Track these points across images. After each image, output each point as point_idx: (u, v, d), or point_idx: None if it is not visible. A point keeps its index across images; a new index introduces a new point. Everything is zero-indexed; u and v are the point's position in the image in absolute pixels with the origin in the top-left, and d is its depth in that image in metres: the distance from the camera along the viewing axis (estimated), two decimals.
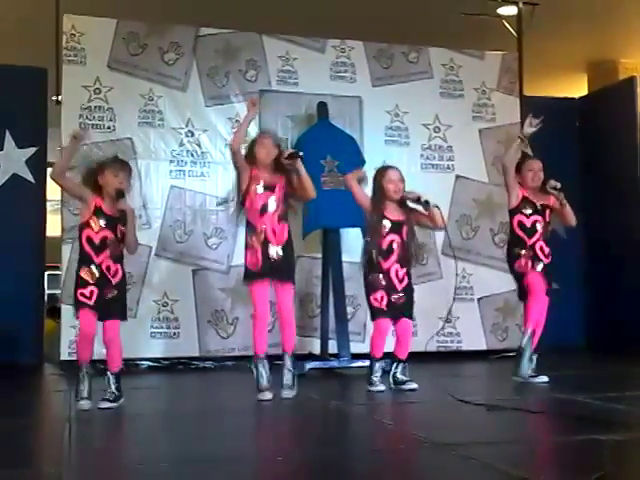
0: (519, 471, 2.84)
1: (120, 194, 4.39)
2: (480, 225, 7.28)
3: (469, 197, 7.24)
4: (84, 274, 4.33)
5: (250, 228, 4.68)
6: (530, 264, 5.11)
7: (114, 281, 4.40)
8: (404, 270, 4.89)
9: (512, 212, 5.22)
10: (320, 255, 6.54)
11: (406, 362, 4.94)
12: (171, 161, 6.62)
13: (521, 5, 7.74)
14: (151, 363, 6.42)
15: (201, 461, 3.15)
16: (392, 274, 4.85)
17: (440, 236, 6.88)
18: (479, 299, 7.16)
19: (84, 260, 4.37)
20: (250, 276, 4.68)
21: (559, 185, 5.15)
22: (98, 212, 4.36)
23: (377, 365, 4.94)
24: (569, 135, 7.96)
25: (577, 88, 9.34)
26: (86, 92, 6.43)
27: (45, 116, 6.63)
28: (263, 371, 4.58)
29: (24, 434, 3.78)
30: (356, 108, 7.07)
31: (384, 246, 4.87)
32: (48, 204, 6.78)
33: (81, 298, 4.34)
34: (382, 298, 4.84)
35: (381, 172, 4.95)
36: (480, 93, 7.43)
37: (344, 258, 6.41)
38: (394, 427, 3.89)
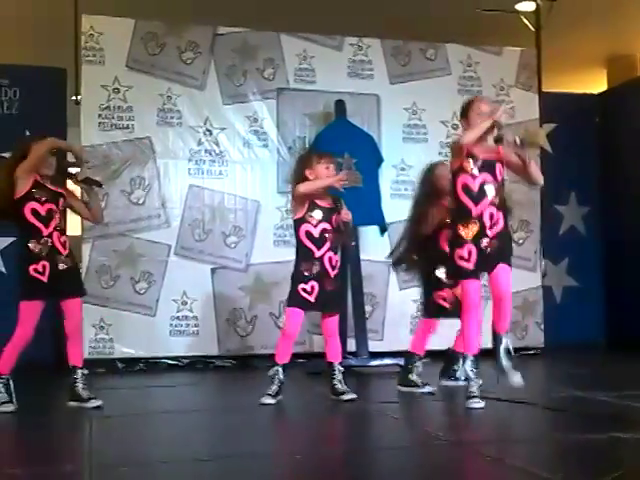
0: (538, 469, 2.84)
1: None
2: None
3: None
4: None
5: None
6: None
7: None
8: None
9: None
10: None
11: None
12: (189, 160, 6.64)
13: (539, 1, 7.69)
14: (171, 361, 6.46)
15: (221, 458, 3.16)
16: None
17: None
18: None
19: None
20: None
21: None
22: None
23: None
24: (588, 132, 7.91)
25: (596, 83, 9.27)
26: (105, 92, 6.46)
27: (64, 116, 6.67)
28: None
29: (45, 432, 3.82)
30: (374, 106, 7.06)
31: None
32: None
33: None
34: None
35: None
36: (498, 89, 7.39)
37: (362, 256, 6.41)
38: (414, 425, 3.89)
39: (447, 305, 4.83)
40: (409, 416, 4.03)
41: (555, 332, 7.20)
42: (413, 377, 4.83)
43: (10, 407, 4.23)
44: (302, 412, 4.57)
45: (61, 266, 4.33)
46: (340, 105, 6.64)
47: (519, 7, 7.81)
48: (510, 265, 4.32)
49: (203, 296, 6.53)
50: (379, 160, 6.70)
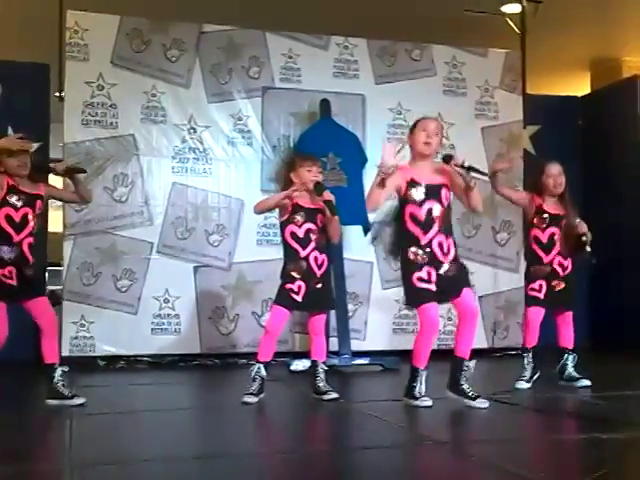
0: (520, 469, 2.85)
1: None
2: (482, 223, 7.27)
3: None
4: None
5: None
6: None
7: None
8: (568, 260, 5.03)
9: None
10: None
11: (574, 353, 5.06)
12: (173, 157, 6.62)
13: (525, 3, 7.72)
14: (152, 360, 6.43)
15: (203, 457, 3.16)
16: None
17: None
18: (480, 297, 7.15)
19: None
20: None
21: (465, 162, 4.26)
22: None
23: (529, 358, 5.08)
24: (571, 134, 7.95)
25: (580, 86, 9.32)
26: (89, 88, 6.43)
27: (48, 112, 6.62)
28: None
29: (24, 431, 3.79)
30: (359, 105, 7.06)
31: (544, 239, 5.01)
32: (50, 200, 6.76)
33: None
34: (540, 287, 4.98)
35: (541, 167, 5.08)
36: (483, 91, 7.42)
37: (345, 255, 6.42)
38: (396, 425, 3.89)
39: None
40: (393, 416, 4.03)
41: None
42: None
43: None
44: (285, 411, 4.57)
45: (28, 272, 4.32)
46: (325, 104, 6.64)
47: (505, 9, 7.84)
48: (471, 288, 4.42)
49: (185, 294, 6.51)
50: (363, 160, 6.69)
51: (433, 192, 4.22)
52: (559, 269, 5.02)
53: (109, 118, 6.46)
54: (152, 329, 6.43)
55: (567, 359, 5.03)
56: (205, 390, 5.53)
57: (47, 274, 6.88)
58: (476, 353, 6.14)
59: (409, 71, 7.24)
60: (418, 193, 4.22)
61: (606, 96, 8.02)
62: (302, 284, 4.49)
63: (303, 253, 4.52)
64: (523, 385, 4.95)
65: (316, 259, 4.54)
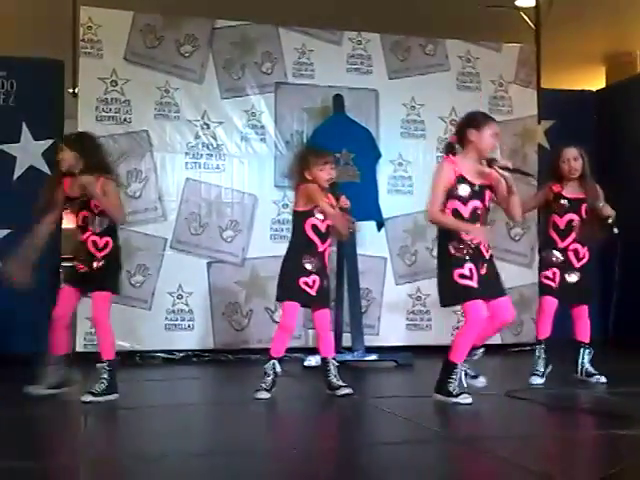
0: (534, 465, 2.84)
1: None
2: (496, 219, 7.20)
3: None
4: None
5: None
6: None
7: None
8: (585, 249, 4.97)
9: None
10: (335, 248, 6.52)
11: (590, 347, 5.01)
12: (187, 153, 6.62)
13: None
14: (165, 355, 6.44)
15: (216, 453, 3.16)
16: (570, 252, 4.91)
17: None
18: None
19: None
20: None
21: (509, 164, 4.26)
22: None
23: (542, 350, 5.00)
24: (586, 129, 7.88)
25: (595, 81, 9.27)
26: (102, 84, 6.44)
27: (62, 108, 6.63)
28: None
29: (39, 425, 3.81)
30: (372, 101, 7.04)
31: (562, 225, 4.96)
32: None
33: None
34: (554, 275, 4.93)
35: (557, 151, 5.03)
36: (497, 86, 7.38)
37: (359, 251, 6.40)
38: (410, 421, 3.88)
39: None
40: (406, 412, 4.02)
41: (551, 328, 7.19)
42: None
43: None
44: (299, 407, 4.57)
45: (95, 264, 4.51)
46: (338, 100, 6.63)
47: (519, 3, 7.80)
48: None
49: (199, 290, 6.52)
50: (377, 155, 6.69)
51: (479, 192, 4.21)
52: (573, 258, 4.96)
53: (123, 114, 6.47)
54: (166, 325, 6.45)
55: (583, 353, 4.99)
56: (219, 386, 5.54)
57: (61, 270, 6.91)
58: (489, 349, 6.12)
59: (423, 66, 7.20)
60: (465, 190, 4.17)
61: (621, 90, 7.96)
62: (317, 278, 4.48)
63: (321, 248, 4.53)
64: (537, 380, 4.90)
65: (330, 254, 4.61)
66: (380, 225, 6.47)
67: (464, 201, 4.16)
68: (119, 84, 6.48)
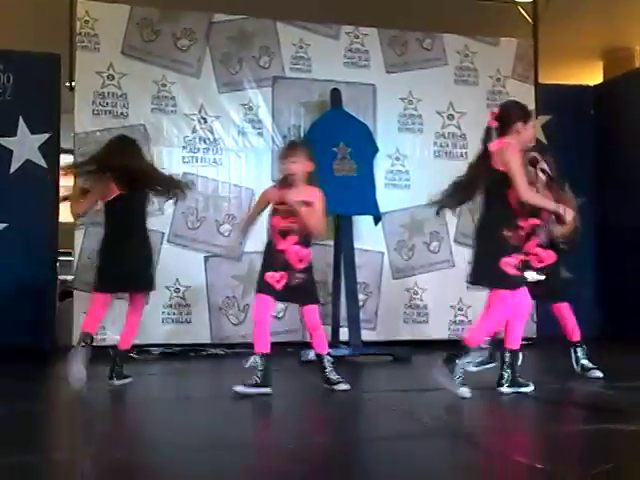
0: (530, 459, 2.84)
1: None
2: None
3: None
4: None
5: None
6: None
7: None
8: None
9: None
10: (332, 242, 6.53)
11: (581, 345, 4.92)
12: (184, 147, 6.62)
13: None
14: (162, 349, 6.44)
15: (212, 447, 3.16)
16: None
17: (452, 224, 6.86)
18: None
19: None
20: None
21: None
22: None
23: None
24: (584, 123, 7.89)
25: (593, 76, 9.27)
26: (99, 78, 6.43)
27: (58, 102, 6.62)
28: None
29: (37, 420, 3.80)
30: (370, 95, 7.04)
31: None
32: (61, 190, 6.78)
33: None
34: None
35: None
36: (495, 80, 7.38)
37: (356, 245, 6.40)
38: (406, 415, 3.89)
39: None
40: (402, 406, 4.03)
41: (548, 324, 7.19)
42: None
43: None
44: (296, 401, 4.57)
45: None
46: (336, 94, 6.62)
47: None
48: None
49: (196, 284, 6.52)
50: (374, 150, 6.68)
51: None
52: (534, 260, 4.81)
53: (119, 108, 6.46)
54: (163, 319, 6.45)
55: (575, 352, 4.93)
56: (215, 380, 5.54)
57: (58, 264, 6.92)
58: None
59: (420, 60, 7.20)
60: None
61: (619, 85, 7.96)
62: (284, 274, 4.44)
63: (282, 246, 4.51)
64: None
65: (297, 253, 4.51)
66: (377, 219, 6.47)
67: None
68: (116, 78, 6.47)
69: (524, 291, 4.23)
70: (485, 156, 4.29)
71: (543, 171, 4.35)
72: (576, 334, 4.96)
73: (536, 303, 7.24)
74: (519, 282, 4.19)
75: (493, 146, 4.27)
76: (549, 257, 4.91)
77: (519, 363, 4.38)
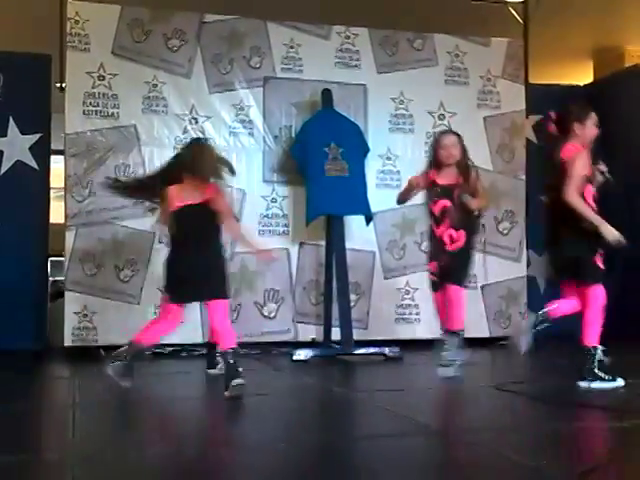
0: (522, 457, 2.86)
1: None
2: (484, 213, 7.25)
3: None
4: None
5: None
6: None
7: None
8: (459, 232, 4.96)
9: None
10: (324, 242, 6.54)
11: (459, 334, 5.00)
12: (175, 148, 6.57)
13: None
14: (154, 349, 6.42)
15: (205, 447, 3.16)
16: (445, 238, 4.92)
17: None
18: (482, 287, 7.16)
19: None
20: None
21: None
22: None
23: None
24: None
25: (583, 75, 9.30)
26: (90, 79, 6.41)
27: (49, 102, 6.60)
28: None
29: (28, 421, 3.80)
30: (361, 95, 7.04)
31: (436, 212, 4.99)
32: (52, 191, 6.77)
33: None
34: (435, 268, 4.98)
35: (436, 139, 5.11)
36: (485, 80, 7.39)
37: (347, 245, 6.41)
38: (398, 414, 3.89)
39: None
40: (395, 405, 4.04)
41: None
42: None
43: None
44: (287, 400, 4.57)
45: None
46: (327, 94, 6.63)
47: None
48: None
49: None
50: (365, 150, 6.70)
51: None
52: (447, 242, 4.95)
53: (110, 108, 6.45)
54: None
55: (445, 342, 4.96)
56: (208, 380, 5.53)
57: (49, 265, 6.90)
58: (477, 342, 6.17)
59: (411, 61, 7.21)
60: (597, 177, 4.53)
61: (609, 85, 7.98)
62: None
63: None
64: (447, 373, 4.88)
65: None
66: (369, 219, 6.48)
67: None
68: (106, 78, 6.45)
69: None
70: (558, 164, 4.44)
71: (602, 172, 4.54)
72: (454, 323, 4.97)
73: (532, 302, 7.32)
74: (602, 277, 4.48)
75: (565, 153, 4.44)
76: (460, 238, 4.96)
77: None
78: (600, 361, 4.39)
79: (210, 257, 4.52)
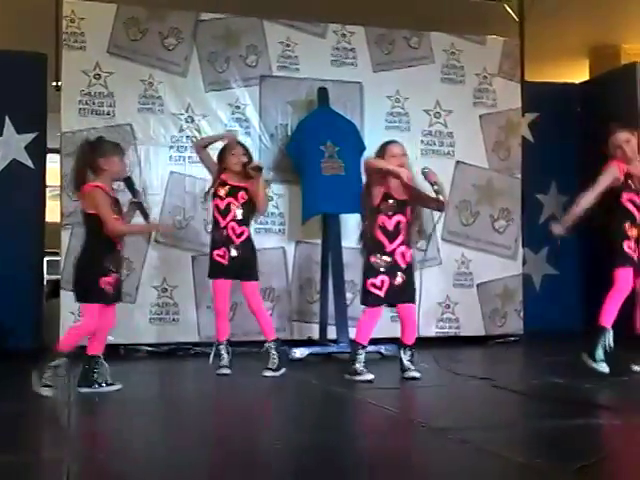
0: (516, 455, 2.87)
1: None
2: (480, 211, 7.28)
3: (469, 183, 7.23)
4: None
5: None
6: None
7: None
8: (410, 251, 4.86)
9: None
10: (320, 241, 6.55)
11: (413, 348, 4.89)
12: (171, 147, 6.61)
13: None
14: (150, 348, 6.44)
15: (197, 446, 3.16)
16: (397, 255, 4.79)
17: (440, 222, 6.87)
18: (478, 285, 7.17)
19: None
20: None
21: None
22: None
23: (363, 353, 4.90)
24: (570, 121, 7.93)
25: (579, 73, 9.30)
26: (86, 77, 6.41)
27: (45, 101, 6.61)
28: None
29: (24, 419, 3.80)
30: (357, 94, 7.05)
31: (390, 227, 4.81)
32: (47, 190, 6.77)
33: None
34: (382, 283, 4.76)
35: (383, 147, 4.93)
36: (481, 78, 7.40)
37: (344, 244, 6.41)
38: (392, 412, 3.91)
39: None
40: (390, 403, 4.04)
41: (534, 320, 7.25)
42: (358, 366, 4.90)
43: None
44: (283, 398, 4.58)
45: (234, 252, 5.15)
46: (323, 93, 6.63)
47: None
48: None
49: (183, 283, 6.51)
50: (361, 148, 6.69)
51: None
52: (400, 260, 4.79)
53: (106, 107, 6.45)
54: (150, 318, 6.44)
55: (404, 352, 4.86)
56: (204, 378, 5.54)
57: (46, 264, 6.90)
58: (473, 340, 6.18)
59: (407, 59, 7.21)
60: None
61: (605, 83, 7.99)
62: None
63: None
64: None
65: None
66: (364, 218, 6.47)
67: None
68: (102, 77, 6.45)
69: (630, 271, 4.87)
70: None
71: None
72: (414, 338, 4.91)
73: (528, 300, 7.35)
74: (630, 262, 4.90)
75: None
76: (410, 256, 4.88)
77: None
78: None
79: (77, 260, 4.59)
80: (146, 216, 4.71)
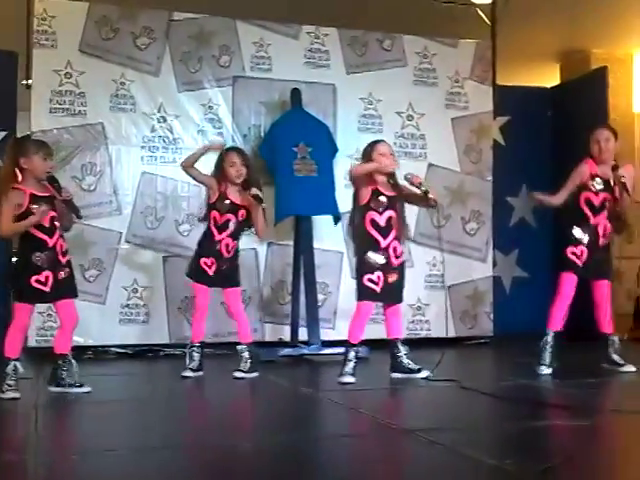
0: (485, 456, 2.88)
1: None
2: (451, 213, 7.32)
3: (441, 185, 7.24)
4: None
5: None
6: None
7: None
8: (401, 248, 4.93)
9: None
10: (292, 242, 6.55)
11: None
12: (143, 147, 6.58)
13: None
14: (120, 350, 6.39)
15: (167, 447, 3.15)
16: (391, 251, 4.84)
17: (411, 223, 6.90)
18: (449, 287, 7.20)
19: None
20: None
21: None
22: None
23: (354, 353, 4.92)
24: (541, 125, 8.00)
25: (550, 78, 9.38)
26: (57, 76, 6.36)
27: (15, 100, 6.53)
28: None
29: None
30: (330, 95, 7.06)
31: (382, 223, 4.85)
32: None
33: None
34: (379, 278, 4.80)
35: (371, 146, 5.00)
36: (453, 81, 7.44)
37: (315, 245, 6.42)
38: (363, 413, 3.92)
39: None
40: (359, 404, 4.06)
41: (504, 322, 7.31)
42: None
43: None
44: (253, 401, 4.58)
45: (222, 266, 5.19)
46: (296, 94, 6.64)
47: (475, 0, 7.86)
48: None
49: (154, 284, 6.49)
50: (334, 150, 6.71)
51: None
52: (393, 257, 4.83)
53: (77, 106, 6.40)
54: (120, 319, 6.40)
55: (396, 348, 4.96)
56: (173, 380, 5.51)
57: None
58: (443, 342, 6.21)
59: (380, 61, 7.24)
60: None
61: (576, 87, 8.07)
62: (50, 274, 4.45)
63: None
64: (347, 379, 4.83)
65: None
66: (337, 219, 6.49)
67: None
68: (74, 76, 6.40)
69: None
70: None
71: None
72: (401, 332, 5.07)
73: (498, 302, 7.39)
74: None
75: None
76: (403, 253, 4.99)
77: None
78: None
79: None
80: (77, 211, 4.64)
